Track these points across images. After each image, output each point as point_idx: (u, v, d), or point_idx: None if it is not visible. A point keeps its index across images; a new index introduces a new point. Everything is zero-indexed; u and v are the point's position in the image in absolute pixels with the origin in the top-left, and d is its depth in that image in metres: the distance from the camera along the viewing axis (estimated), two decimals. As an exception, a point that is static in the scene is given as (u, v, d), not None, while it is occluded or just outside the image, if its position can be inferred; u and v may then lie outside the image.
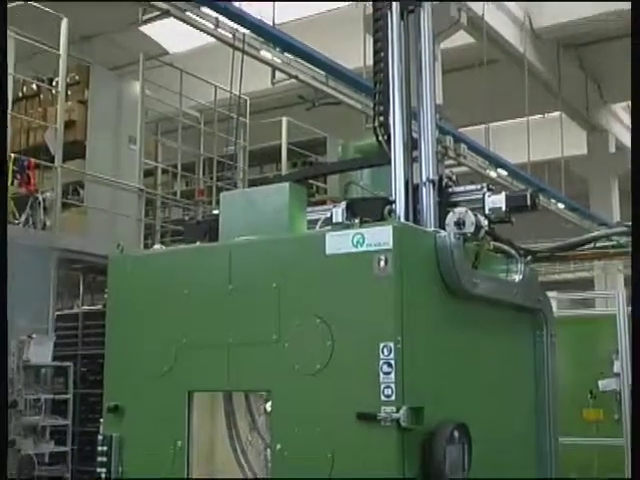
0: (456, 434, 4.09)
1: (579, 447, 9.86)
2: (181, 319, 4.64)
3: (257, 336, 4.36)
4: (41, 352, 12.22)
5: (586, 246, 5.48)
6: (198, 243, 5.08)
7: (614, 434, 9.10)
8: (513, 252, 5.10)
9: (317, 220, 4.97)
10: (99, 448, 4.78)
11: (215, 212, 5.31)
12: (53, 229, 13.27)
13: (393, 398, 3.91)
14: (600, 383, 10.13)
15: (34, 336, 12.19)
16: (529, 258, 5.24)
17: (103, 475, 4.72)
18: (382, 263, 4.04)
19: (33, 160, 12.99)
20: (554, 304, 5.60)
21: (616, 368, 9.50)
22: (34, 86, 15.01)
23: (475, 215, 4.59)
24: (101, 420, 4.92)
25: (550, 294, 5.53)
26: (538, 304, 5.23)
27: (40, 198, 12.96)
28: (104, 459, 4.74)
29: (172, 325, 4.66)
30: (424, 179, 4.93)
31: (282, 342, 4.26)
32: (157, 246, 5.57)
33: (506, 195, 4.85)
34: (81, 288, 16.78)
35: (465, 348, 4.57)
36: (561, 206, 22.31)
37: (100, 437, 4.80)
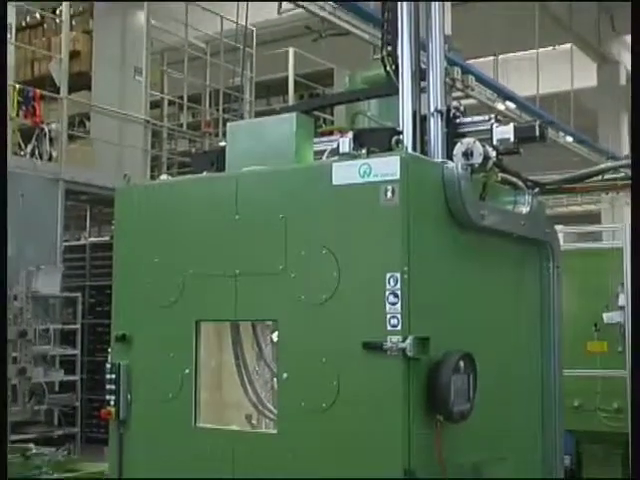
0: (462, 364, 4.12)
1: (582, 378, 9.95)
2: (188, 250, 4.65)
3: (263, 267, 4.37)
4: (50, 283, 12.31)
5: (594, 178, 5.46)
6: (205, 174, 5.06)
7: (617, 366, 9.14)
8: (521, 184, 5.08)
9: (324, 151, 4.93)
10: (107, 376, 4.85)
11: (222, 144, 5.28)
12: (59, 161, 13.24)
13: (399, 328, 3.93)
14: (605, 316, 10.15)
15: (42, 267, 12.26)
16: (537, 190, 5.21)
17: (112, 402, 4.79)
18: (389, 194, 4.03)
19: (38, 91, 12.89)
20: (560, 237, 5.59)
21: (621, 301, 9.51)
22: (37, 15, 14.85)
23: (483, 146, 4.55)
24: (109, 349, 4.97)
25: (557, 227, 5.52)
26: (545, 236, 5.22)
27: (46, 130, 12.90)
28: (112, 387, 4.80)
29: (179, 256, 4.67)
30: (432, 109, 4.88)
31: (288, 272, 4.27)
32: (164, 177, 5.55)
33: (514, 126, 4.80)
34: (88, 220, 16.80)
35: (472, 279, 4.58)
36: (569, 139, 22.14)
37: (108, 365, 4.86)
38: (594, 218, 23.89)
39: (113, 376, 4.81)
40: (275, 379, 4.60)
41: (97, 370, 13.55)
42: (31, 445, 8.04)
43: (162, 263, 4.73)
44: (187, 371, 4.58)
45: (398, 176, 4.03)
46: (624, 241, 9.13)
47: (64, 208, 13.43)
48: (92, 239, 15.85)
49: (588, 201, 24.98)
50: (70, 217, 16.48)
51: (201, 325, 4.63)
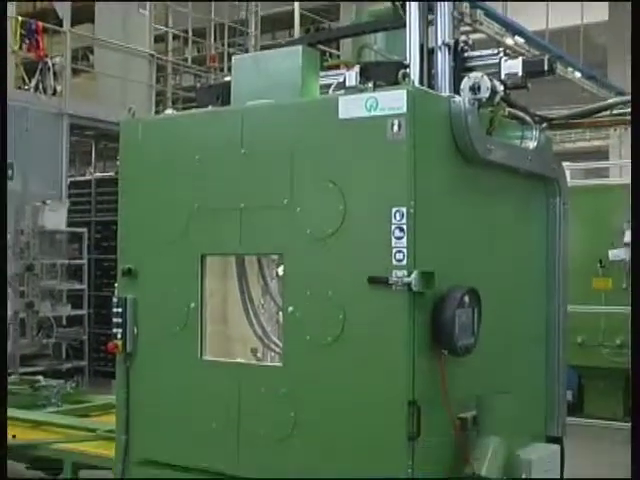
0: (466, 298, 4.14)
1: (586, 314, 10.01)
2: (193, 184, 4.63)
3: (269, 200, 4.36)
4: (55, 218, 12.34)
5: (603, 113, 5.40)
6: (210, 108, 5.02)
7: (621, 303, 9.19)
8: (528, 119, 5.04)
9: (330, 85, 4.89)
10: (114, 310, 4.88)
11: (227, 79, 5.23)
12: (63, 95, 13.16)
13: (404, 262, 3.94)
14: (610, 253, 10.18)
15: (48, 202, 12.29)
16: (544, 125, 5.17)
17: (119, 335, 4.83)
18: (396, 128, 4.00)
19: (41, 24, 12.76)
20: (568, 174, 5.56)
21: (626, 238, 9.52)
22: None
23: (491, 80, 4.49)
24: (116, 284, 4.99)
25: (564, 164, 5.48)
26: (552, 172, 5.19)
27: (50, 63, 12.80)
28: (119, 320, 4.84)
29: (184, 190, 4.66)
30: (439, 43, 4.82)
31: (294, 206, 4.26)
32: (169, 111, 5.51)
33: (523, 60, 4.75)
34: (93, 155, 16.77)
35: (478, 214, 4.57)
36: (578, 75, 21.88)
37: (115, 299, 4.88)
38: (602, 155, 23.75)
39: (120, 310, 4.84)
40: (280, 313, 4.62)
41: (104, 305, 13.65)
42: (40, 377, 8.13)
43: (167, 197, 4.72)
44: (193, 305, 4.60)
45: (405, 110, 3.99)
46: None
47: (69, 143, 13.39)
48: (97, 174, 15.84)
49: (596, 137, 24.75)
50: (75, 153, 16.46)
51: (207, 259, 4.64)
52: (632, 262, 4.34)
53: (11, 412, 6.69)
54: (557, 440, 5.17)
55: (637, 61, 4.48)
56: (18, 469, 7.05)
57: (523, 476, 4.44)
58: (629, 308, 4.55)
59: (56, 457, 5.90)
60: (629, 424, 4.26)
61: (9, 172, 12.09)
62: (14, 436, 6.10)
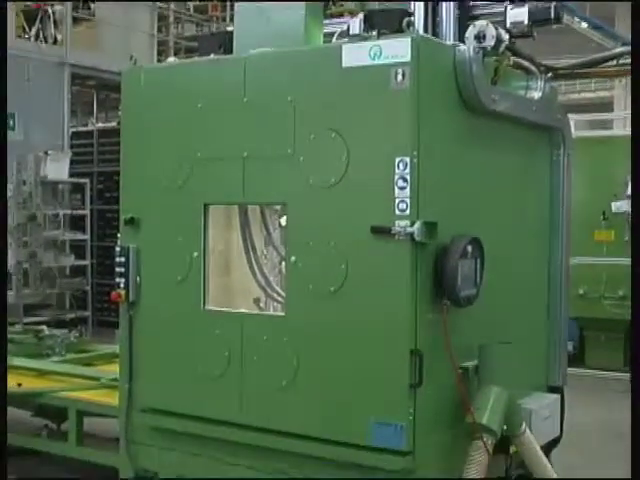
0: (469, 249, 4.14)
1: (588, 266, 10.03)
2: (196, 133, 4.61)
3: (272, 150, 4.34)
4: (58, 168, 12.32)
5: (608, 63, 5.35)
6: (212, 56, 4.97)
7: (623, 255, 9.18)
8: (533, 68, 4.99)
9: (333, 33, 4.83)
10: (117, 259, 4.88)
11: (229, 28, 5.17)
12: (64, 44, 13.05)
13: (407, 212, 3.93)
14: (613, 205, 10.16)
15: (50, 152, 12.25)
16: (549, 75, 5.13)
17: (121, 285, 4.84)
18: (399, 76, 3.96)
19: (41, -29, 12.62)
20: (572, 125, 5.52)
21: (629, 190, 9.50)
22: None
23: (496, 29, 4.44)
24: (118, 234, 4.99)
25: (569, 115, 5.45)
26: (556, 123, 5.16)
27: (50, 11, 12.66)
28: (122, 270, 4.85)
29: (187, 139, 4.64)
30: (445, -10, 4.76)
31: (297, 156, 4.24)
32: (171, 59, 5.47)
33: (529, 8, 4.69)
34: (95, 105, 16.68)
35: (481, 165, 4.55)
36: (584, 25, 21.63)
37: (118, 249, 4.89)
38: (606, 107, 23.59)
39: (122, 259, 4.85)
40: (283, 263, 4.63)
41: (107, 255, 13.70)
42: (43, 327, 8.17)
43: (170, 146, 4.70)
44: (195, 254, 4.60)
45: (409, 58, 3.95)
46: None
47: (70, 93, 13.31)
48: (99, 125, 15.77)
49: (601, 87, 24.52)
50: (77, 103, 16.37)
51: (209, 208, 4.63)
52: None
53: (16, 361, 6.76)
54: (558, 390, 5.21)
55: (637, 61, 4.47)
56: (23, 417, 7.12)
57: (523, 425, 4.48)
58: (630, 260, 4.54)
59: (61, 405, 5.95)
60: (628, 375, 4.28)
61: (10, 122, 12.05)
62: (19, 384, 6.15)
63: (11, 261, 8.67)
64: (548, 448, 5.01)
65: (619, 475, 5.61)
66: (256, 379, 4.40)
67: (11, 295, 8.23)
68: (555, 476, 4.68)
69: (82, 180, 13.55)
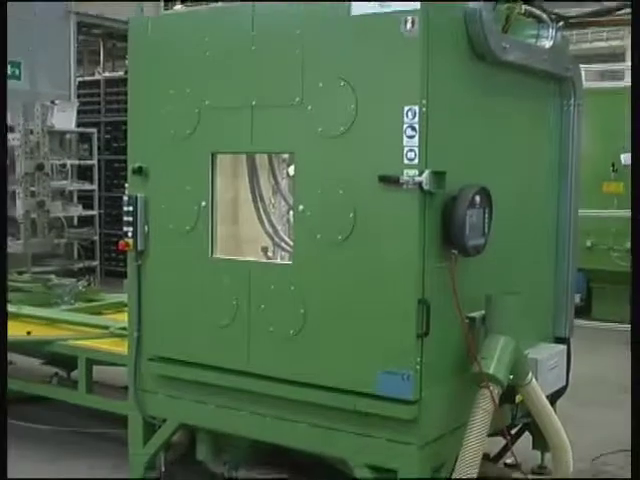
0: (477, 199, 4.12)
1: (597, 218, 10.00)
2: (203, 81, 4.58)
3: (280, 98, 4.31)
4: (65, 118, 12.27)
5: (622, 11, 5.27)
6: (220, 3, 4.92)
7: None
8: (545, 17, 4.92)
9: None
10: (125, 208, 4.88)
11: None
12: (71, -8, 12.92)
13: (416, 162, 3.91)
14: (622, 157, 10.09)
15: (57, 102, 12.18)
16: (561, 24, 5.06)
17: (129, 234, 4.84)
18: (409, 24, 3.92)
19: None
20: (583, 76, 5.46)
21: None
22: None
23: (508, -24, 4.39)
24: (126, 185, 4.99)
25: (580, 65, 5.38)
26: (567, 72, 5.10)
27: (56, -41, 12.52)
28: (130, 219, 4.85)
29: (194, 87, 4.61)
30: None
31: (305, 104, 4.21)
32: (178, 7, 5.40)
33: (541, -45, 4.62)
34: (102, 55, 16.55)
35: (491, 115, 4.52)
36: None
37: (125, 198, 4.88)
38: (618, 58, 23.34)
39: (130, 208, 4.85)
40: (291, 212, 4.62)
41: (114, 206, 13.71)
42: (52, 276, 8.21)
43: (177, 95, 4.67)
44: (203, 203, 4.60)
45: (418, 6, 3.91)
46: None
47: (77, 42, 13.21)
48: (106, 74, 15.65)
49: (614, 37, 24.19)
50: (83, 52, 16.25)
51: (217, 157, 4.61)
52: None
53: (25, 309, 6.81)
54: (564, 341, 5.23)
55: (637, 60, 4.43)
56: (33, 365, 7.19)
57: (530, 375, 4.51)
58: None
59: (70, 353, 5.99)
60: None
61: (16, 71, 11.99)
62: (29, 332, 6.20)
63: (19, 210, 8.67)
64: (553, 398, 5.04)
65: (618, 422, 5.67)
66: (263, 328, 4.42)
67: (19, 244, 8.25)
68: (560, 425, 4.72)
69: (89, 130, 13.50)
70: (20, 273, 8.33)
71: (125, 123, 5.09)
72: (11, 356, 7.64)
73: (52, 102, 12.22)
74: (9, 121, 11.22)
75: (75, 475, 5.54)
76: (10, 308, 6.87)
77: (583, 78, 5.33)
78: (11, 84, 11.17)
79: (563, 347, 5.13)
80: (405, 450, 4.10)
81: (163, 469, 5.37)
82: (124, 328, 5.45)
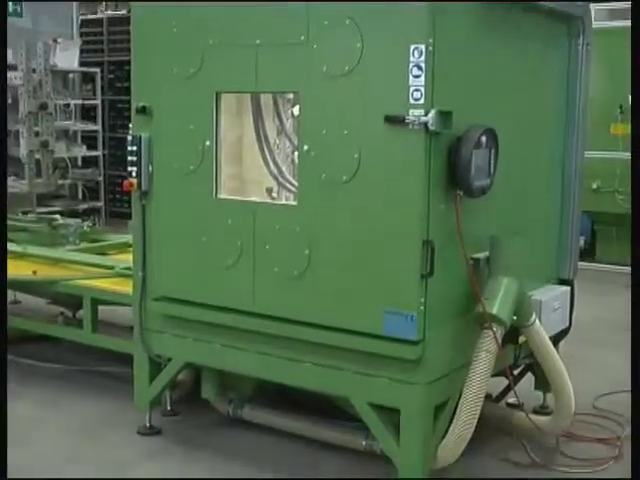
0: (484, 139, 4.09)
1: (603, 160, 9.95)
2: (207, 19, 4.51)
3: (285, 37, 4.25)
4: (67, 57, 12.16)
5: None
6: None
7: (639, 149, 9.09)
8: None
9: None
10: (129, 148, 4.86)
11: None
12: None
13: (422, 101, 3.87)
14: (630, 97, 9.99)
15: (60, 41, 12.07)
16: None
17: (134, 174, 4.83)
18: (416, -39, 3.84)
19: None
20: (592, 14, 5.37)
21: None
22: None
23: None
24: (130, 125, 4.95)
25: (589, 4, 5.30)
26: (576, 11, 5.02)
27: None
28: (134, 158, 4.83)
29: (198, 25, 4.55)
30: None
31: (311, 43, 4.16)
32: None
33: None
34: (104, -8, 16.34)
35: (498, 54, 4.46)
36: None
37: (129, 137, 4.86)
38: (627, -2, 22.99)
39: (134, 148, 4.82)
40: (296, 152, 4.60)
41: (118, 146, 13.67)
42: (57, 216, 8.21)
43: (181, 33, 4.61)
44: (208, 143, 4.57)
45: (425, -58, 3.84)
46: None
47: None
48: (109, 13, 15.47)
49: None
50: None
51: (222, 97, 4.57)
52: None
53: (30, 249, 6.83)
54: (568, 282, 5.24)
55: (637, 60, 4.36)
56: (39, 305, 7.24)
57: (533, 316, 4.52)
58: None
59: (75, 293, 6.02)
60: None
61: (17, 8, 11.86)
62: (35, 272, 6.22)
63: (23, 150, 8.63)
64: (556, 339, 5.07)
65: (619, 363, 5.71)
66: (268, 268, 4.43)
67: (24, 184, 8.24)
68: (562, 366, 4.75)
69: (93, 69, 13.39)
70: (25, 213, 8.32)
71: (129, 63, 5.04)
72: (17, 295, 7.72)
73: (54, 41, 12.10)
74: (10, 59, 11.13)
75: (80, 412, 5.62)
76: (15, 248, 6.92)
77: (592, 17, 5.25)
78: (13, 21, 11.07)
79: (567, 289, 5.14)
80: (408, 390, 4.13)
81: (168, 407, 5.45)
82: (129, 268, 5.47)
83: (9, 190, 8.37)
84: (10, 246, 6.97)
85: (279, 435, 5.05)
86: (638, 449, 3.46)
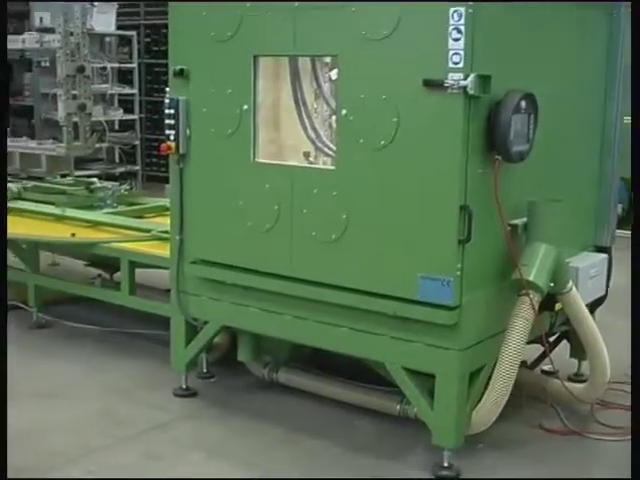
0: (523, 104, 4.05)
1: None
2: (245, -18, 4.49)
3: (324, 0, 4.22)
4: (105, 20, 12.17)
5: None
6: None
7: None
8: None
9: None
10: (166, 111, 4.86)
11: None
12: None
13: (461, 65, 3.83)
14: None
15: (96, 4, 12.07)
16: None
17: (171, 137, 4.84)
18: None
19: None
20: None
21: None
22: None
23: None
24: (167, 88, 4.96)
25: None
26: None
27: None
28: (172, 122, 4.83)
29: (236, -12, 4.53)
30: None
31: (349, 6, 4.12)
32: None
33: None
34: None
35: (538, 18, 4.39)
36: None
37: (167, 100, 4.86)
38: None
39: (172, 111, 4.83)
40: (334, 117, 4.58)
41: (155, 110, 13.70)
42: (94, 179, 8.27)
43: (219, -5, 4.59)
44: (245, 107, 4.57)
45: None
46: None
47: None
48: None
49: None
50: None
51: (259, 60, 4.56)
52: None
53: (69, 212, 6.89)
54: (606, 250, 5.21)
55: (637, 61, 4.25)
56: (77, 267, 7.33)
57: (570, 283, 4.50)
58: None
59: (113, 255, 6.07)
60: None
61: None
62: (73, 234, 6.28)
63: (61, 113, 8.68)
64: (593, 307, 5.04)
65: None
66: (305, 233, 4.44)
67: (62, 147, 8.29)
68: (598, 334, 4.73)
69: (129, 33, 13.40)
70: (63, 176, 8.39)
71: (165, 26, 5.02)
72: (56, 257, 7.82)
73: (91, 3, 12.11)
74: (48, 22, 11.16)
75: (118, 372, 5.69)
76: (54, 210, 6.99)
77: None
78: (50, -16, 11.09)
79: (604, 256, 5.11)
80: (444, 355, 4.14)
81: (205, 370, 5.51)
82: (166, 231, 5.51)
83: (48, 153, 8.43)
84: (49, 209, 7.06)
85: (314, 399, 5.09)
86: (638, 449, 3.44)
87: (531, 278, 4.22)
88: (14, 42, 9.77)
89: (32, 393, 5.33)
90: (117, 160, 13.03)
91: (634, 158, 4.42)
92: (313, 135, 4.83)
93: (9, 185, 7.51)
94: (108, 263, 6.52)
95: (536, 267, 4.25)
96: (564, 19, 4.65)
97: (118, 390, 5.42)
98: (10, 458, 3.65)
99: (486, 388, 4.28)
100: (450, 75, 3.85)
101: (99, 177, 9.63)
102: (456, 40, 3.83)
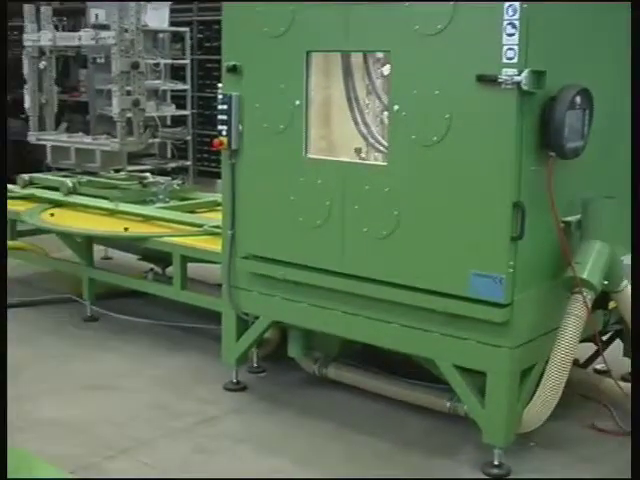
0: (578, 99, 4.01)
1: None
2: (298, -23, 4.50)
3: (376, -5, 4.22)
4: (158, 17, 12.27)
5: None
6: None
7: None
8: None
9: None
10: (219, 107, 4.90)
11: None
12: None
13: (515, 60, 3.80)
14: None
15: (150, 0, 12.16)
16: None
17: (224, 132, 4.87)
18: None
19: None
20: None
21: None
22: None
23: None
24: (219, 85, 4.98)
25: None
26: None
27: None
28: (224, 117, 4.86)
29: (289, -16, 4.54)
30: None
31: (403, 1, 4.10)
32: None
33: None
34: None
35: (592, 14, 4.33)
36: None
37: (220, 96, 4.89)
38: None
39: (225, 107, 4.86)
40: (385, 112, 4.57)
41: (207, 106, 13.76)
42: (147, 174, 8.35)
43: (272, -8, 4.61)
44: (298, 103, 4.58)
45: None
46: None
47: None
48: (199, -28, 15.53)
49: None
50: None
51: (312, 56, 4.56)
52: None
53: (122, 206, 6.97)
54: (661, 248, 5.11)
55: (637, 61, 4.18)
56: (130, 261, 7.41)
57: (624, 281, 4.43)
58: None
59: (166, 250, 6.12)
60: None
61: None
62: (126, 229, 6.36)
63: (116, 109, 8.76)
64: (648, 305, 4.96)
65: None
66: (357, 229, 4.43)
67: (116, 142, 8.37)
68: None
69: (182, 29, 13.49)
70: (117, 171, 8.47)
71: (217, 23, 5.05)
72: (109, 252, 7.91)
73: (146, 0, 12.20)
74: (103, 19, 11.28)
75: (168, 366, 5.75)
76: (107, 205, 7.07)
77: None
78: (105, -18, 11.20)
79: (660, 254, 5.02)
80: (495, 352, 4.11)
81: (255, 364, 5.54)
82: (218, 226, 5.54)
83: (103, 148, 8.54)
84: (102, 203, 7.15)
85: (364, 395, 5.08)
86: (638, 449, 3.38)
87: (585, 276, 4.17)
88: (70, 39, 9.89)
89: (84, 385, 5.41)
90: (169, 155, 13.12)
91: (634, 158, 4.32)
92: (365, 131, 4.83)
93: (64, 180, 7.62)
94: (160, 257, 6.57)
95: (590, 265, 4.19)
96: (616, 18, 4.57)
97: (169, 383, 5.47)
98: (63, 448, 3.71)
99: (538, 387, 4.24)
100: (504, 70, 3.81)
101: (151, 172, 9.70)
102: (510, 35, 3.80)
